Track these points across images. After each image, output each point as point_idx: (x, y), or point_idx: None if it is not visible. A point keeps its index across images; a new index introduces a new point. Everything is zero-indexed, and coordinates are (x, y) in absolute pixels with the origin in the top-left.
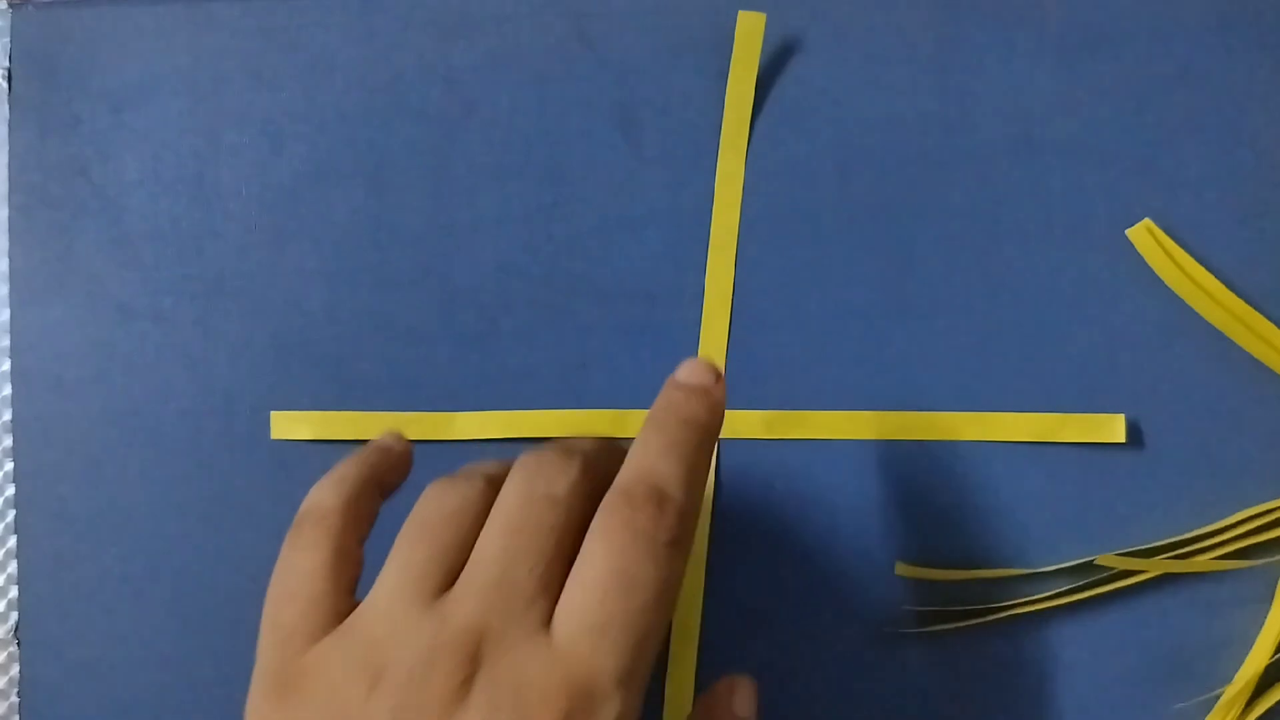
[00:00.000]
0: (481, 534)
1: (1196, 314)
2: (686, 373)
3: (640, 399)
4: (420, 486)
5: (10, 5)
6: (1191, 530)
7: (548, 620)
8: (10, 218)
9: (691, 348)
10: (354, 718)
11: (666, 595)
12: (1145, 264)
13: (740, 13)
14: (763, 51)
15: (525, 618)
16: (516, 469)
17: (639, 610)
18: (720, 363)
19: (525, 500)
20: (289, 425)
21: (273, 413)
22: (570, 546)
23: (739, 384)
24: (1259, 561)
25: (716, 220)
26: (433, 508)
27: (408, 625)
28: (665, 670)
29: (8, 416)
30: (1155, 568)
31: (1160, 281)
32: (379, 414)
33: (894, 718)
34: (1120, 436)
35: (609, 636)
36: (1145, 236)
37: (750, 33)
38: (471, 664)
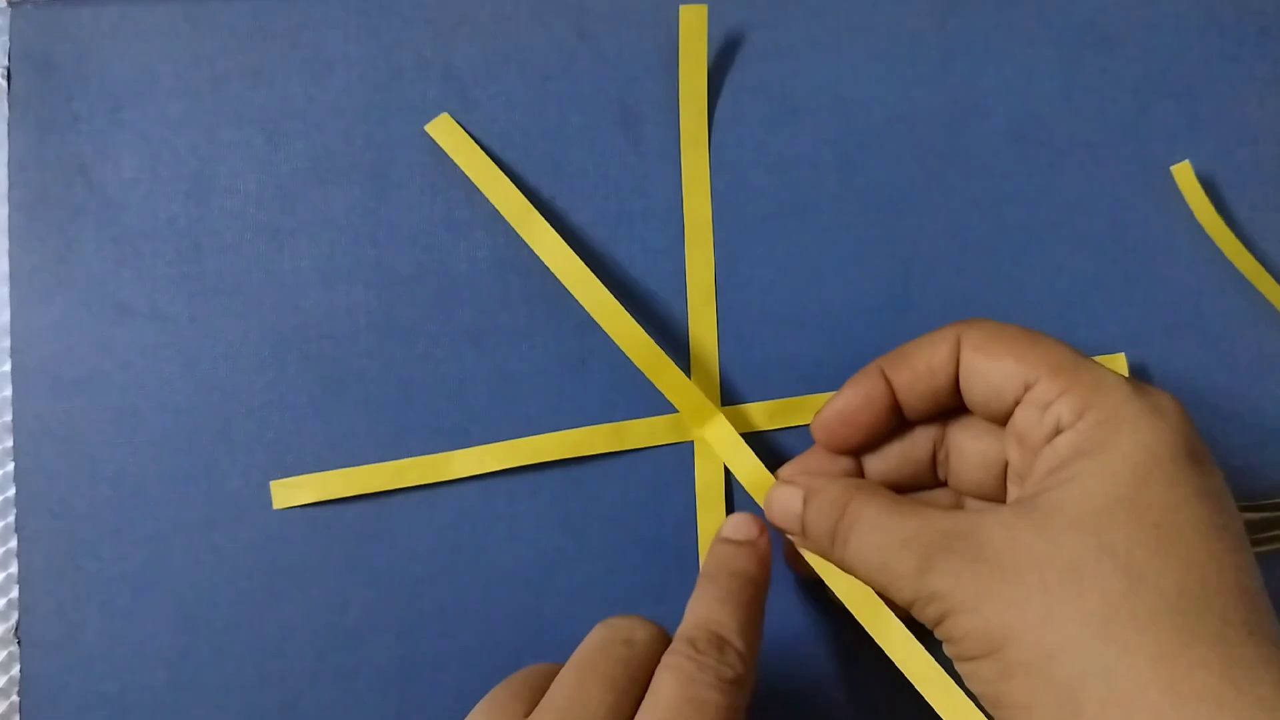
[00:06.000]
0: (559, 673)
1: (1199, 314)
2: (732, 529)
3: (640, 396)
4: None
5: (10, 4)
6: None
7: None
8: (10, 217)
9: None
10: None
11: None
12: (1148, 261)
13: (682, 7)
14: (766, 49)
15: None
16: (597, 627)
17: None
18: (712, 356)
19: (601, 643)
20: (289, 493)
21: (272, 482)
22: (641, 685)
23: (740, 378)
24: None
25: (689, 218)
26: (515, 677)
27: None
28: None
29: (8, 417)
30: None
31: (1165, 280)
32: (377, 466)
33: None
34: None
35: None
36: (1189, 180)
37: (694, 26)
38: None
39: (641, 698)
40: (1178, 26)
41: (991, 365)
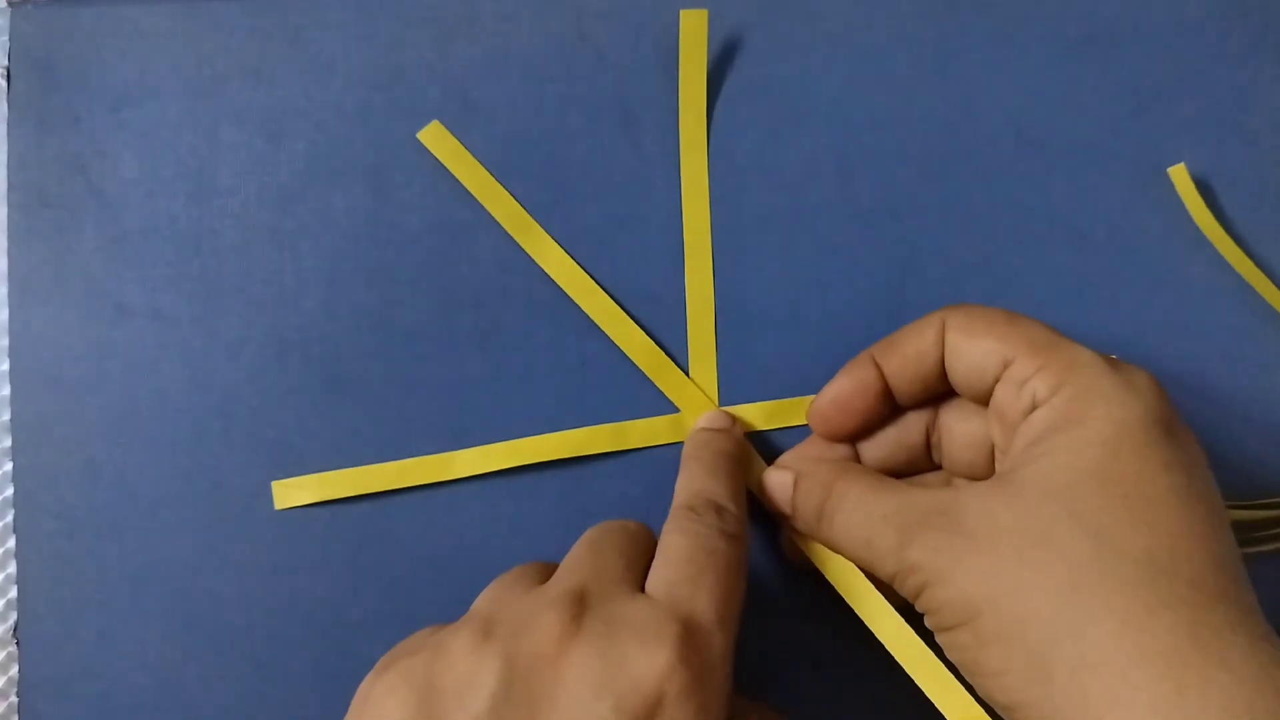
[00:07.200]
0: (569, 551)
1: (1195, 315)
2: (709, 420)
3: (640, 396)
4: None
5: (10, 4)
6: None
7: (640, 590)
8: (9, 217)
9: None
10: (460, 667)
11: (741, 569)
12: (1145, 262)
13: (682, 12)
14: (765, 49)
15: (621, 584)
16: (588, 529)
17: (724, 568)
18: (710, 359)
19: (603, 529)
20: (290, 493)
21: (273, 483)
22: (646, 556)
23: (739, 379)
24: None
25: (688, 222)
26: (516, 568)
27: (511, 600)
28: None
29: (7, 417)
30: None
31: (1164, 282)
32: (378, 466)
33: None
34: None
35: (703, 585)
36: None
37: (694, 30)
38: (579, 606)
39: (647, 567)
40: (1176, 27)
41: (973, 345)
